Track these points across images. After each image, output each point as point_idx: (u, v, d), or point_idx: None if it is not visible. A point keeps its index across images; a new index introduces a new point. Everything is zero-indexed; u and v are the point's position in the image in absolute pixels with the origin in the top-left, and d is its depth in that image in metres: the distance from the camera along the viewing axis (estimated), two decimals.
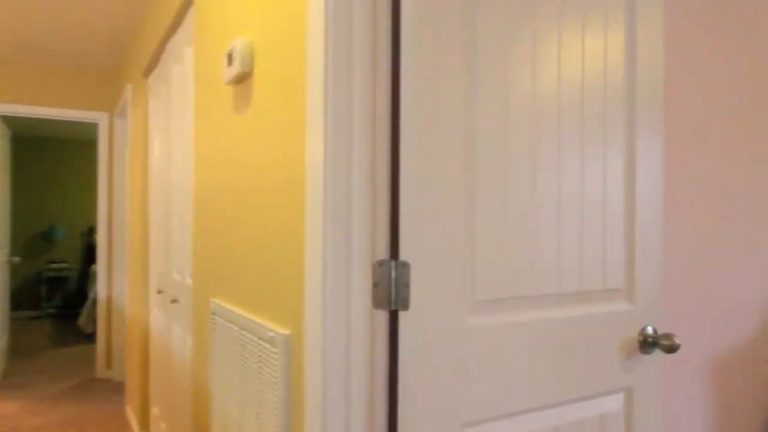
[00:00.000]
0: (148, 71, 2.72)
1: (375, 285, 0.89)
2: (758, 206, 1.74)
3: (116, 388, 3.87)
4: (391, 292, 0.89)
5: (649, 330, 1.21)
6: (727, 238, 1.65)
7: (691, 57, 1.61)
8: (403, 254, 0.88)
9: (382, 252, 0.89)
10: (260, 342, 1.11)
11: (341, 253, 0.87)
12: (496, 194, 0.99)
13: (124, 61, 3.70)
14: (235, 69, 1.21)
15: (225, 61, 1.28)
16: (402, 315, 0.89)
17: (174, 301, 2.11)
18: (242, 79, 1.26)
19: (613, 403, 1.19)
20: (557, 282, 1.08)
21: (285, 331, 1.03)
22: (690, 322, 1.59)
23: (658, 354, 1.24)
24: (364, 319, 0.89)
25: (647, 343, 1.20)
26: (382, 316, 0.90)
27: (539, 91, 1.05)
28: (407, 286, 0.88)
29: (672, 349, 1.16)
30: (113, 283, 4.10)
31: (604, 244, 1.15)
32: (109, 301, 4.15)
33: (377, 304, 0.89)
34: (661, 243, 1.25)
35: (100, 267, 4.12)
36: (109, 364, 4.15)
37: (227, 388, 1.34)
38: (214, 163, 1.52)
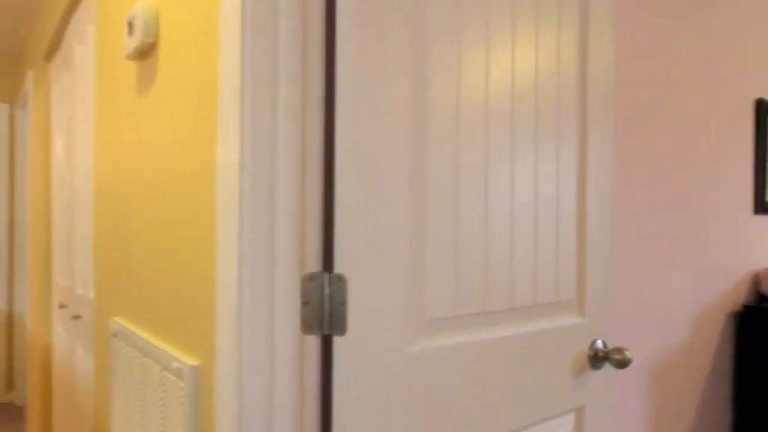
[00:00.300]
0: (50, 55, 2.39)
1: (304, 304, 0.71)
2: (689, 213, 1.72)
3: (18, 414, 3.43)
4: (324, 313, 0.71)
5: (599, 344, 1.13)
6: (659, 246, 1.61)
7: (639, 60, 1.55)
8: (339, 266, 0.72)
9: (313, 263, 0.72)
10: (164, 373, 0.91)
11: (261, 266, 0.69)
12: (447, 199, 0.85)
13: (24, 44, 3.29)
14: (137, 39, 1.00)
15: (126, 30, 1.06)
16: (337, 341, 0.72)
17: (76, 317, 1.83)
18: (146, 52, 1.04)
19: (565, 426, 1.08)
20: (510, 295, 0.96)
21: (193, 361, 0.83)
22: (627, 331, 1.53)
23: (608, 369, 1.16)
24: (291, 347, 0.71)
25: (598, 358, 1.12)
26: (314, 343, 0.72)
27: (492, 93, 0.91)
28: (344, 304, 0.72)
29: (623, 363, 1.08)
30: (14, 295, 3.65)
31: (557, 252, 1.05)
32: (9, 314, 3.68)
33: (307, 327, 0.71)
34: (610, 251, 1.17)
35: None
36: (10, 386, 3.68)
37: (128, 425, 1.12)
38: (117, 157, 1.29)
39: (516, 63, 0.96)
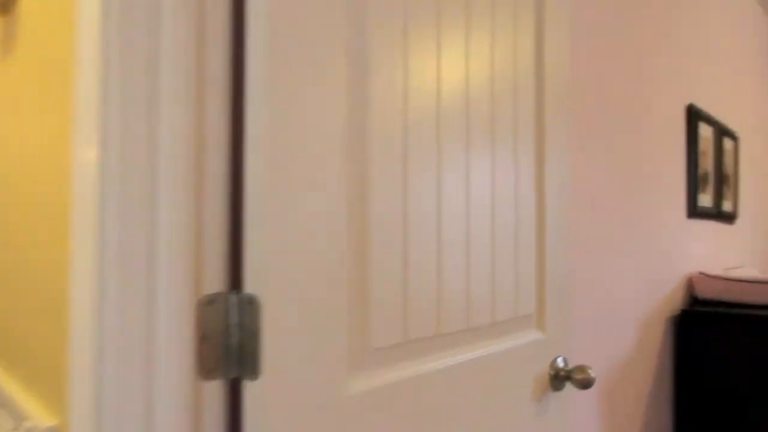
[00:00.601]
0: None
1: (202, 338, 0.52)
2: (627, 218, 1.67)
3: None
4: (229, 349, 0.52)
5: (560, 362, 1.01)
6: (599, 254, 1.53)
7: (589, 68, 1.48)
8: (251, 284, 0.53)
9: (215, 281, 0.53)
10: None
11: (135, 286, 0.49)
12: (393, 205, 0.68)
13: None
14: None
15: None
16: (249, 387, 0.53)
17: None
18: (8, 2, 0.81)
19: None
20: (467, 314, 0.82)
21: (51, 420, 0.61)
22: (577, 345, 1.43)
23: (570, 389, 1.05)
24: (181, 400, 0.51)
25: (559, 378, 1.01)
26: (216, 391, 0.53)
27: (444, 96, 0.77)
28: (257, 336, 0.53)
29: (587, 383, 0.98)
30: None
31: (515, 262, 0.93)
32: None
33: (206, 370, 0.52)
34: (570, 260, 1.07)
35: None
36: None
37: None
38: None
39: (470, 66, 0.82)
